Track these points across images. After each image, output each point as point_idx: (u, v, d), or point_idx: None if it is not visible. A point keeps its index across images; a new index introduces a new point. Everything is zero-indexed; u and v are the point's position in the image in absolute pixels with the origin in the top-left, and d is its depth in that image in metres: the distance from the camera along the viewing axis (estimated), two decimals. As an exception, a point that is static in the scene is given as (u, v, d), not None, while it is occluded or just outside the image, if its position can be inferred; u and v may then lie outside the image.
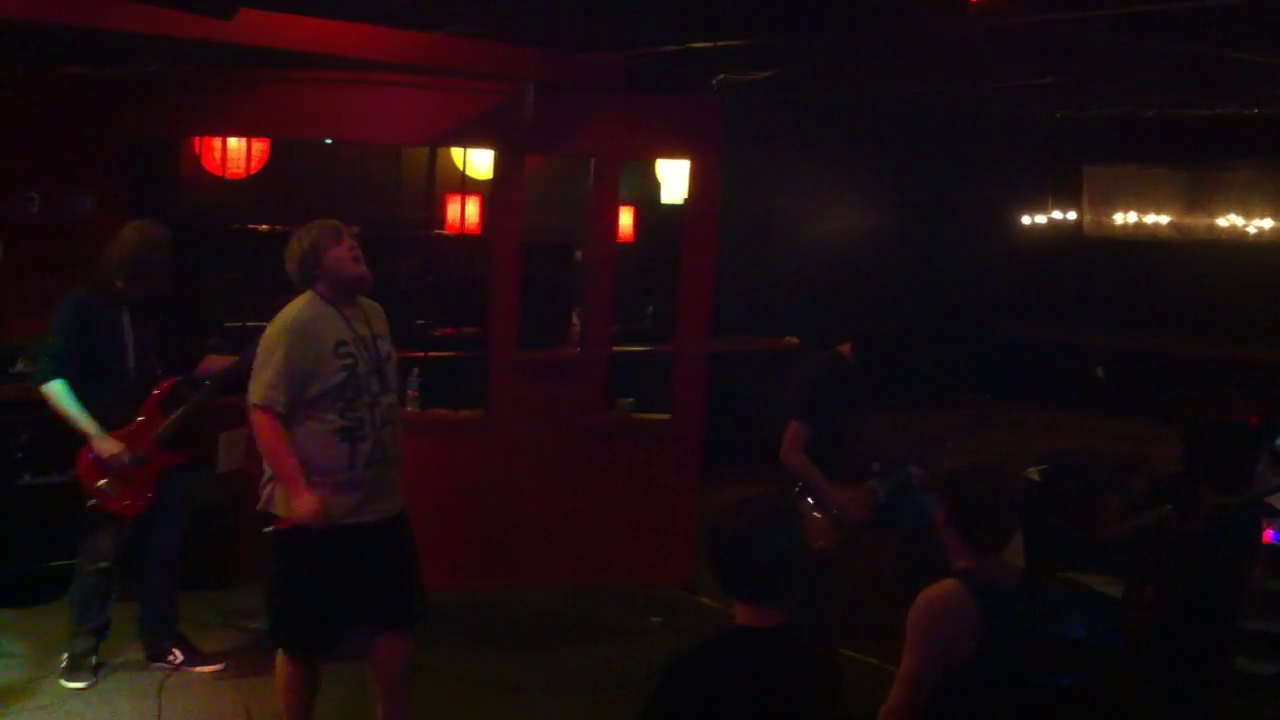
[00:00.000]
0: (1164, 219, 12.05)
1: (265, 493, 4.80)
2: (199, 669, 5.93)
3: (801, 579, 3.37)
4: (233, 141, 7.47)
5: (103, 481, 5.60)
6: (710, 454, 7.75)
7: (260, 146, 7.73)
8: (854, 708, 3.61)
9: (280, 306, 5.42)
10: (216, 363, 5.96)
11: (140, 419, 5.69)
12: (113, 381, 5.66)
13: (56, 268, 6.63)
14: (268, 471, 4.80)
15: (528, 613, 7.10)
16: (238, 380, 5.64)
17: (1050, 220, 12.90)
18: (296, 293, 4.89)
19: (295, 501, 4.65)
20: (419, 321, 8.39)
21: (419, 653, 5.20)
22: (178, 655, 5.92)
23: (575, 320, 8.56)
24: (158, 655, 5.93)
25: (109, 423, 5.60)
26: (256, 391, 4.69)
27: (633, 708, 3.39)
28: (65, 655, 5.70)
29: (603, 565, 7.54)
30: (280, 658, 4.88)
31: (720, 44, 7.43)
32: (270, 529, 4.75)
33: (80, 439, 5.58)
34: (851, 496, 5.77)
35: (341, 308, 4.83)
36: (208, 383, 5.83)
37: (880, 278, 11.65)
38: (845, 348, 5.94)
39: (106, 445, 5.55)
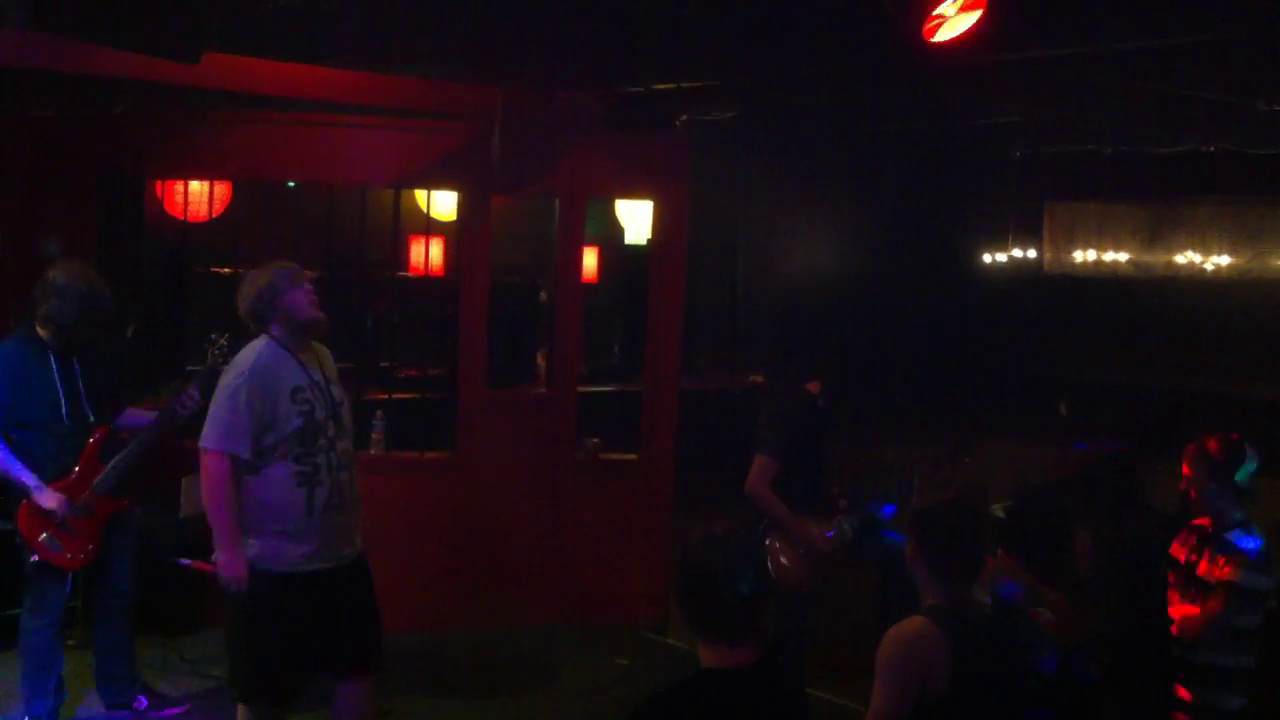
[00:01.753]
0: (1123, 256, 12.15)
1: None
2: (164, 714, 5.84)
3: (769, 617, 3.34)
4: (194, 185, 7.44)
5: (44, 535, 5.44)
6: (679, 491, 7.74)
7: (222, 189, 7.70)
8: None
9: (217, 346, 5.42)
10: (136, 414, 5.84)
11: (78, 468, 5.55)
12: (47, 431, 5.51)
13: (16, 309, 6.57)
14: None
15: (494, 656, 7.05)
16: (184, 425, 5.60)
17: (1011, 258, 12.99)
18: (249, 336, 4.85)
19: (222, 559, 4.62)
20: (384, 364, 8.36)
21: (381, 699, 5.14)
22: (142, 701, 5.82)
23: (541, 360, 8.55)
24: (120, 703, 5.82)
25: (46, 474, 5.46)
26: (212, 436, 4.64)
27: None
28: (25, 718, 5.55)
29: (571, 605, 7.51)
30: (241, 710, 4.81)
31: (684, 85, 7.48)
32: (190, 563, 4.69)
33: (19, 492, 5.43)
34: (819, 531, 5.77)
35: (296, 352, 4.79)
36: (142, 432, 5.69)
37: (847, 314, 11.69)
38: (813, 386, 5.96)
39: (45, 498, 5.40)
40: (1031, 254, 13.01)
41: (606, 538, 7.56)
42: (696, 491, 8.01)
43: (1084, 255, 12.53)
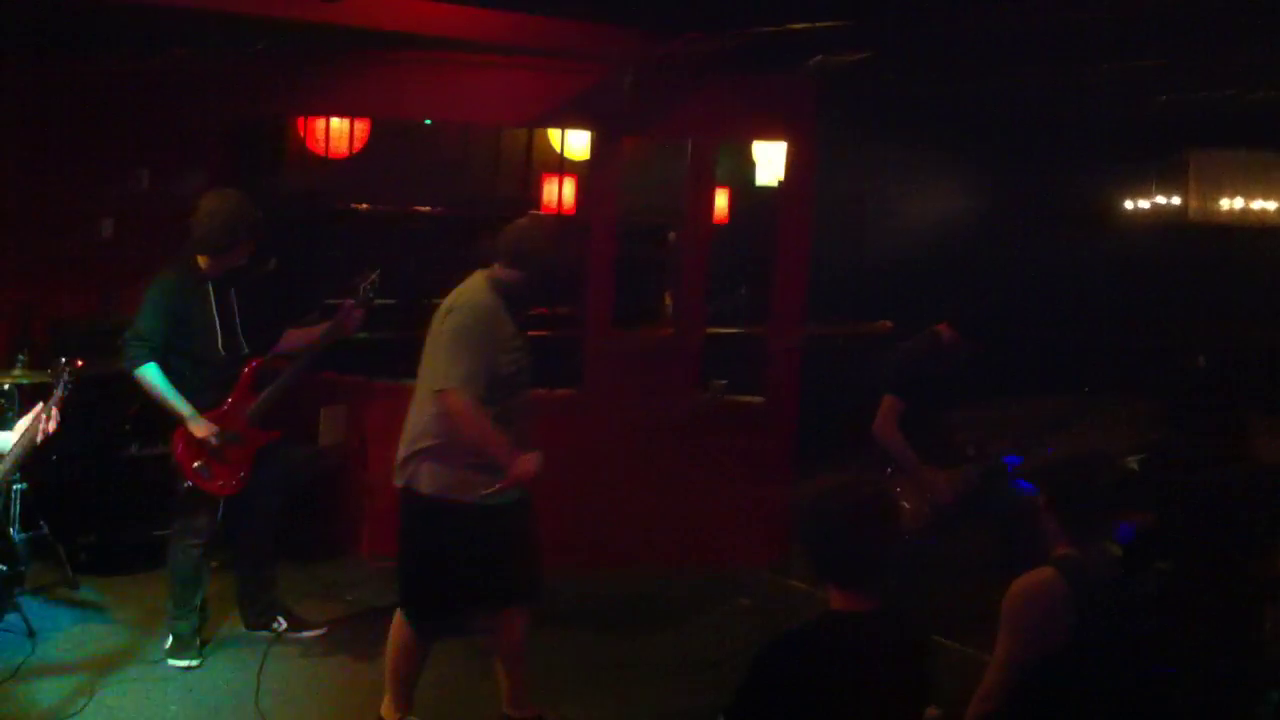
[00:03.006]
0: (1272, 205, 11.76)
1: (409, 470, 4.83)
2: (302, 635, 6.03)
3: (895, 565, 3.36)
4: (335, 121, 7.59)
5: (197, 463, 5.62)
6: (803, 438, 7.73)
7: (362, 127, 7.85)
8: (947, 695, 3.60)
9: (370, 281, 5.55)
10: (298, 335, 5.97)
11: (232, 399, 5.71)
12: (203, 362, 5.66)
13: (165, 245, 6.81)
14: (406, 449, 4.83)
15: (616, 595, 7.12)
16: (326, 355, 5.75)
17: (1154, 205, 12.66)
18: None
19: (516, 470, 4.67)
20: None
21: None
22: (281, 623, 6.00)
23: (669, 301, 8.58)
24: (259, 624, 6.02)
25: (202, 404, 5.61)
26: (455, 376, 4.66)
27: (723, 689, 3.40)
28: (170, 636, 5.77)
29: (694, 546, 7.56)
30: (400, 625, 4.95)
31: (817, 25, 7.37)
32: (418, 503, 4.78)
33: (175, 420, 5.60)
34: (944, 478, 5.70)
35: (510, 301, 4.85)
36: (297, 359, 5.86)
37: (977, 263, 11.51)
38: (943, 327, 5.87)
39: (200, 427, 5.57)
40: (1175, 201, 12.66)
41: (729, 480, 7.57)
42: (820, 436, 8.00)
43: (1230, 203, 12.14)
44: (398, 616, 4.98)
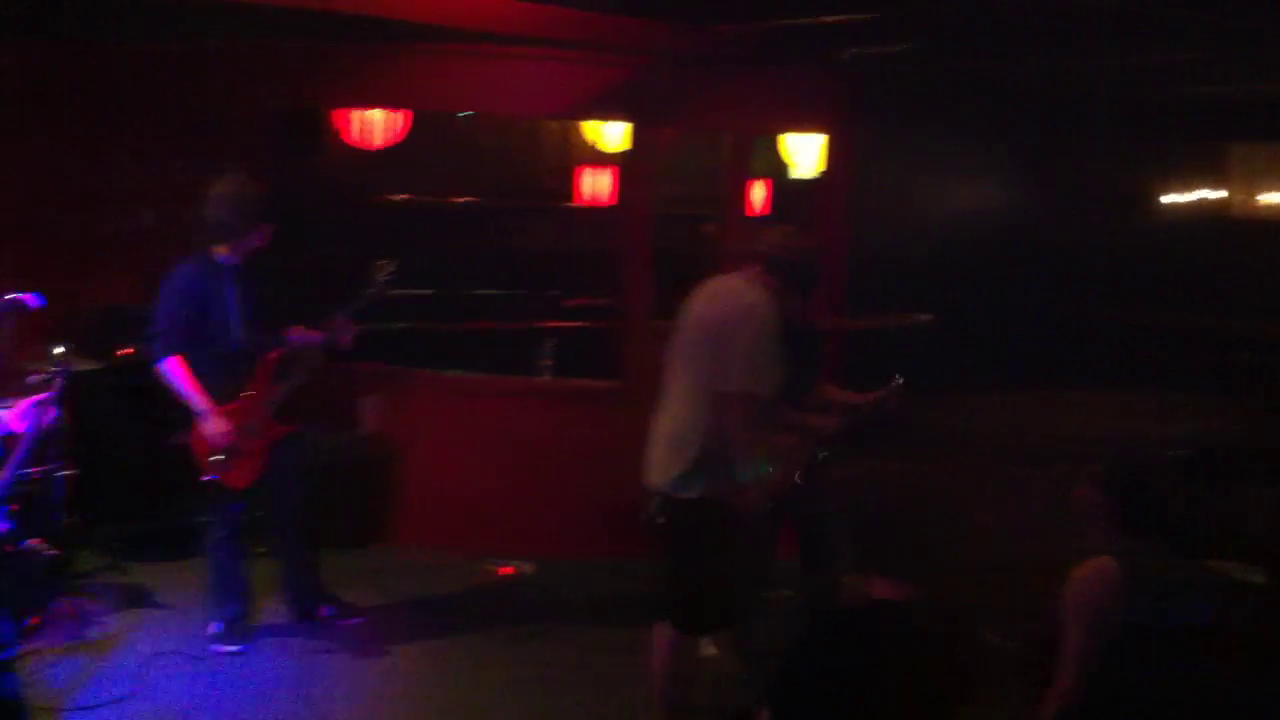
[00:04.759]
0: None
1: (677, 476, 4.83)
2: (346, 622, 6.08)
3: (937, 556, 3.38)
4: (374, 113, 7.64)
5: (214, 456, 5.64)
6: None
7: (399, 119, 7.89)
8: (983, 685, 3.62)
9: (384, 271, 5.71)
10: (300, 334, 5.91)
11: (252, 391, 5.72)
12: (221, 353, 5.66)
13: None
14: (674, 454, 4.83)
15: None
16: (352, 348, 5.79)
17: (1193, 200, 12.58)
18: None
19: (751, 492, 4.77)
20: (552, 292, 8.50)
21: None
22: (326, 610, 6.06)
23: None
24: (304, 612, 6.08)
25: (221, 395, 5.62)
26: (750, 379, 4.68)
27: (765, 680, 3.43)
28: (216, 622, 5.83)
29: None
30: (668, 638, 4.98)
31: (853, 17, 7.37)
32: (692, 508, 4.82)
33: (193, 413, 5.61)
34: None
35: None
36: (308, 358, 5.87)
37: (1014, 255, 11.48)
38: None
39: (215, 424, 5.58)
40: (1215, 195, 12.58)
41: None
42: (864, 430, 7.98)
43: (1271, 198, 12.06)
44: (665, 631, 4.98)
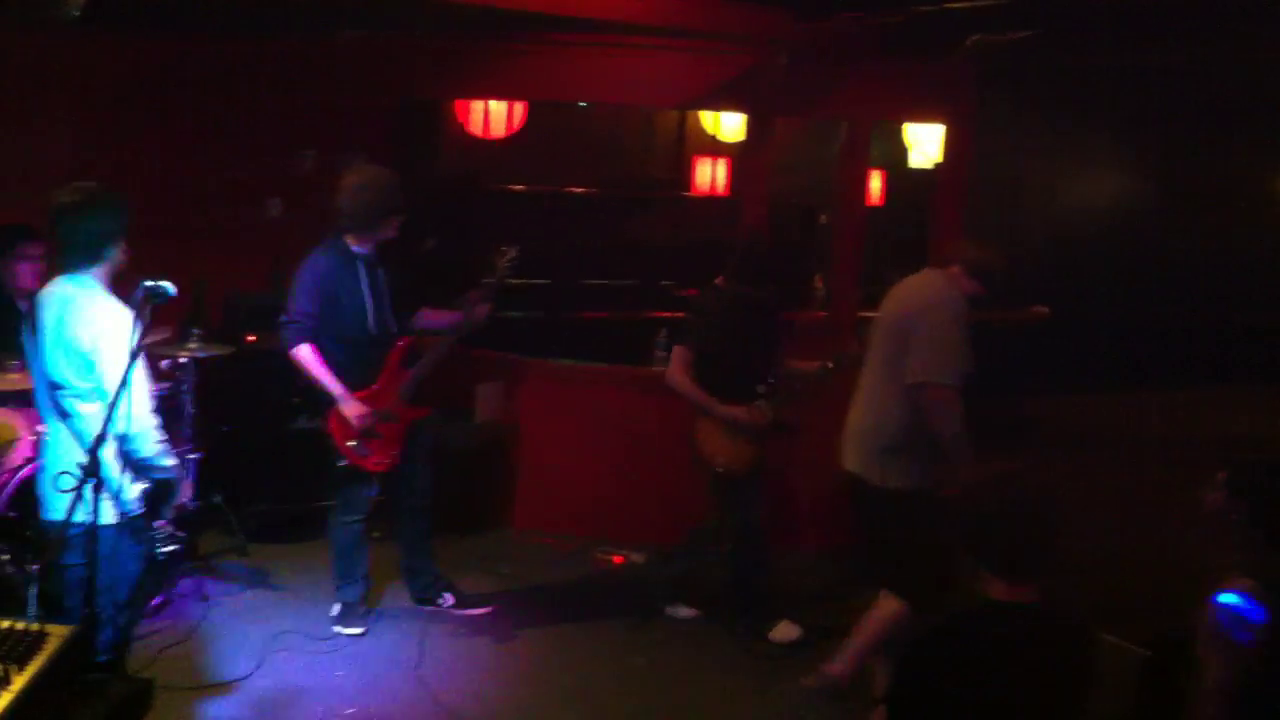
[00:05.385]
0: None
1: (876, 465, 5.09)
2: (466, 612, 6.14)
3: (1056, 556, 3.33)
4: (493, 104, 7.73)
5: (352, 441, 5.71)
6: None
7: (517, 109, 7.98)
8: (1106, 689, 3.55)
9: (507, 258, 5.81)
10: (433, 316, 6.01)
11: (383, 377, 5.79)
12: (354, 340, 5.72)
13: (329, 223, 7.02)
14: (872, 444, 5.10)
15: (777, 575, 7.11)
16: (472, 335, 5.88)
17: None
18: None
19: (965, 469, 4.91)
20: (665, 282, 8.52)
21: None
22: (445, 599, 6.14)
23: (819, 284, 8.54)
24: (425, 598, 6.15)
25: (353, 382, 5.69)
26: (940, 372, 4.91)
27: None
28: (337, 604, 5.97)
29: (843, 530, 7.51)
30: (892, 602, 5.15)
31: (976, 4, 7.25)
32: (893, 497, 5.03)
33: (328, 398, 5.68)
34: (743, 410, 5.92)
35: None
36: (440, 340, 5.92)
37: (1136, 248, 11.23)
38: (720, 279, 6.07)
39: (353, 408, 5.65)
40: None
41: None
42: (978, 425, 7.88)
43: None
44: (888, 600, 5.16)
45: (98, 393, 4.01)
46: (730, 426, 5.95)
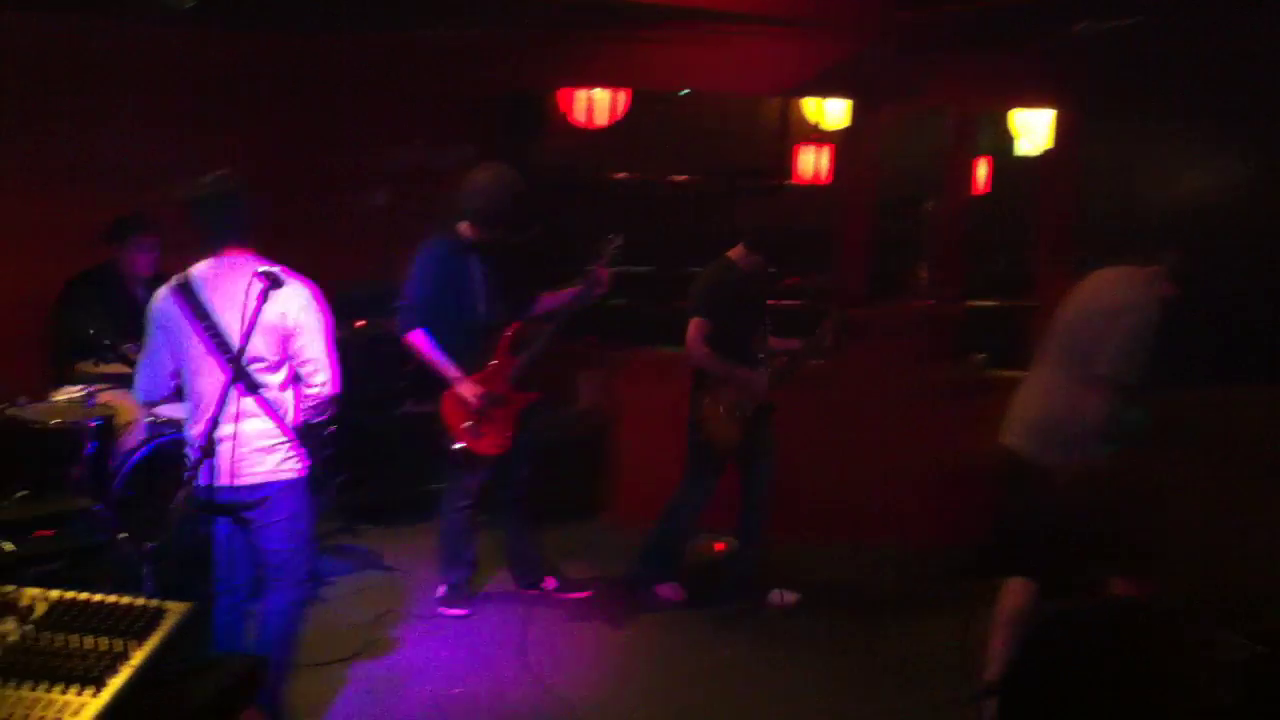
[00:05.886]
0: None
1: (1051, 450, 5.17)
2: (570, 596, 6.23)
3: (1172, 551, 3.27)
4: (597, 92, 7.76)
5: (466, 423, 5.82)
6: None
7: (621, 99, 8.00)
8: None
9: (613, 245, 5.93)
10: (550, 299, 6.08)
11: (494, 362, 5.88)
12: (466, 327, 5.83)
13: (435, 212, 7.11)
14: (1051, 433, 5.20)
15: (865, 568, 7.05)
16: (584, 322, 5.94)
17: None
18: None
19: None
20: (769, 270, 8.47)
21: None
22: (551, 582, 6.23)
23: (923, 272, 8.44)
24: (529, 582, 6.25)
25: (465, 367, 5.80)
26: (1123, 368, 5.04)
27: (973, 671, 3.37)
28: (443, 586, 6.08)
29: (948, 523, 7.43)
30: (1019, 588, 5.16)
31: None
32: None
33: (441, 383, 5.80)
34: (757, 377, 6.17)
35: None
36: (552, 322, 6.00)
37: (1249, 239, 10.92)
38: (735, 251, 6.20)
39: (468, 389, 5.77)
40: None
41: (987, 457, 7.40)
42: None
43: None
44: (1015, 588, 5.17)
45: (285, 365, 4.44)
46: (731, 406, 6.12)
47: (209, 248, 4.46)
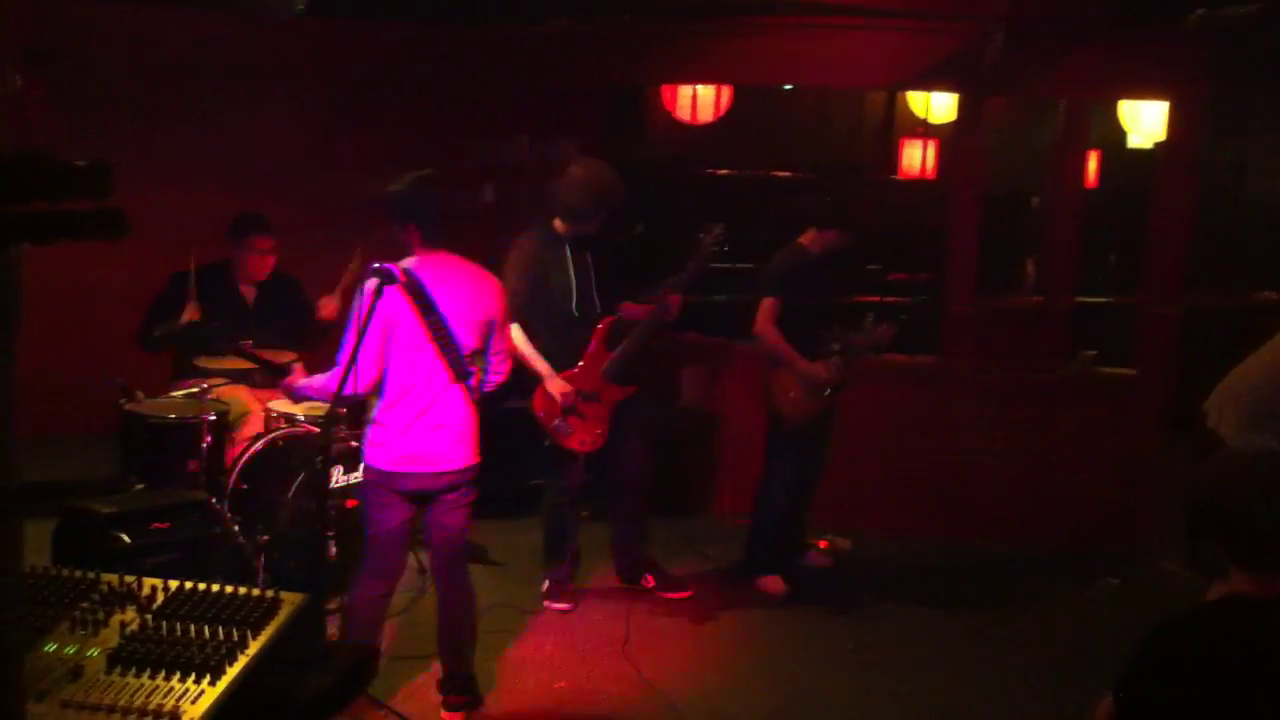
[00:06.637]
0: None
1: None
2: (670, 594, 6.21)
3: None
4: (700, 88, 7.74)
5: (557, 420, 5.84)
6: (1180, 415, 7.32)
7: (723, 94, 7.98)
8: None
9: (713, 235, 5.86)
10: (631, 309, 6.00)
11: (586, 357, 5.88)
12: (558, 322, 5.84)
13: (540, 208, 7.13)
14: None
15: (974, 566, 6.99)
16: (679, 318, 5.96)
17: None
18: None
19: None
20: (872, 266, 8.41)
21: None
22: (650, 580, 6.23)
23: (1031, 268, 8.30)
24: (631, 579, 6.26)
25: (557, 363, 5.81)
26: None
27: (1095, 670, 3.30)
28: (546, 580, 6.11)
29: (1053, 522, 7.32)
30: None
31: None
32: None
33: (535, 379, 5.82)
34: (820, 367, 6.17)
35: None
36: (642, 324, 5.95)
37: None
38: (806, 236, 6.24)
39: (557, 385, 5.78)
40: None
41: (1094, 456, 7.28)
42: (1189, 413, 7.56)
43: None
44: None
45: (480, 354, 4.72)
46: (807, 382, 6.14)
47: (425, 244, 4.60)
